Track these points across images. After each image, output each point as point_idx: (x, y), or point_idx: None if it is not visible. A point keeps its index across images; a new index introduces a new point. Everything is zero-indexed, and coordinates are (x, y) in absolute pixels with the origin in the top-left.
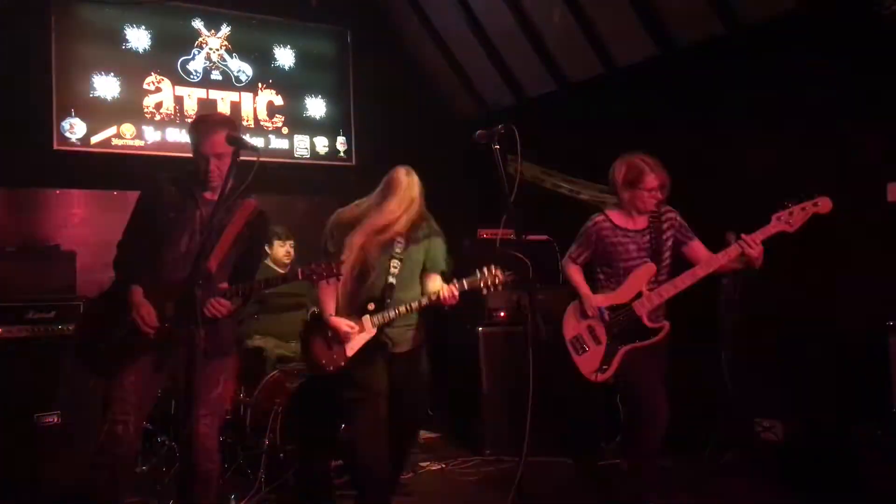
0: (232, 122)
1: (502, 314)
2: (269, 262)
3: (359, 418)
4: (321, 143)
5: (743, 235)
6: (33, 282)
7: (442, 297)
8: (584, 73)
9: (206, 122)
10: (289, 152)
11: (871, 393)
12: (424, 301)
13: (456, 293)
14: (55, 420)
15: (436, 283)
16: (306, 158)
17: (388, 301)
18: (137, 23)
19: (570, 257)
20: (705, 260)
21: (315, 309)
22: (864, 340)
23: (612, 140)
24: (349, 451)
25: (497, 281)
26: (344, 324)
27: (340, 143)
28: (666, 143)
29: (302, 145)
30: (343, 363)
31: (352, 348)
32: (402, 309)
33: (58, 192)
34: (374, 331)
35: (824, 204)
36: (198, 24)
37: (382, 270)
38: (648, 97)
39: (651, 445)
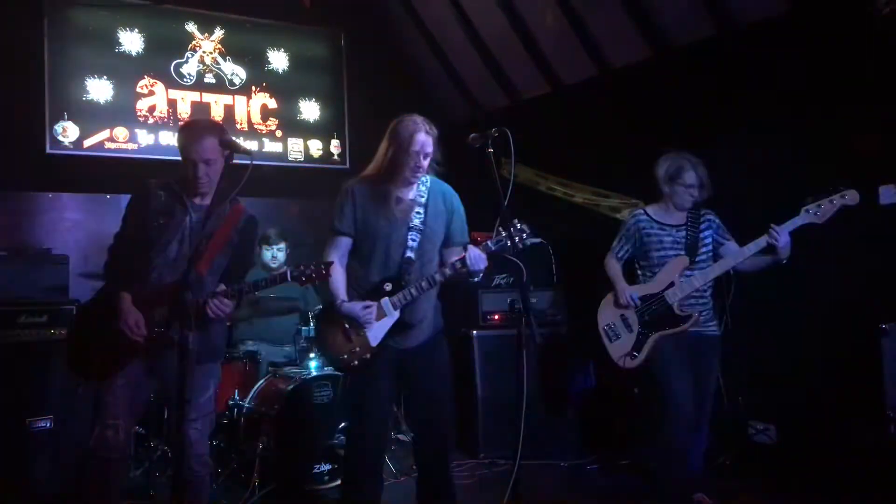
0: (221, 128)
1: (496, 317)
2: (259, 266)
3: (351, 443)
4: (315, 147)
5: (772, 225)
6: (25, 286)
7: (468, 259)
8: (577, 75)
9: (194, 128)
10: (283, 155)
11: (864, 395)
12: (448, 271)
13: (483, 254)
14: (47, 425)
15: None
16: (300, 161)
17: (407, 278)
18: (130, 26)
19: (613, 252)
20: (733, 252)
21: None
22: (856, 343)
23: (607, 142)
24: (345, 471)
25: (525, 235)
26: (360, 307)
27: (334, 146)
28: (659, 145)
29: (296, 148)
30: (368, 354)
31: (375, 336)
32: (424, 284)
33: (50, 195)
34: (396, 313)
35: (852, 196)
36: (191, 27)
37: (398, 244)
38: (642, 99)
39: (673, 443)
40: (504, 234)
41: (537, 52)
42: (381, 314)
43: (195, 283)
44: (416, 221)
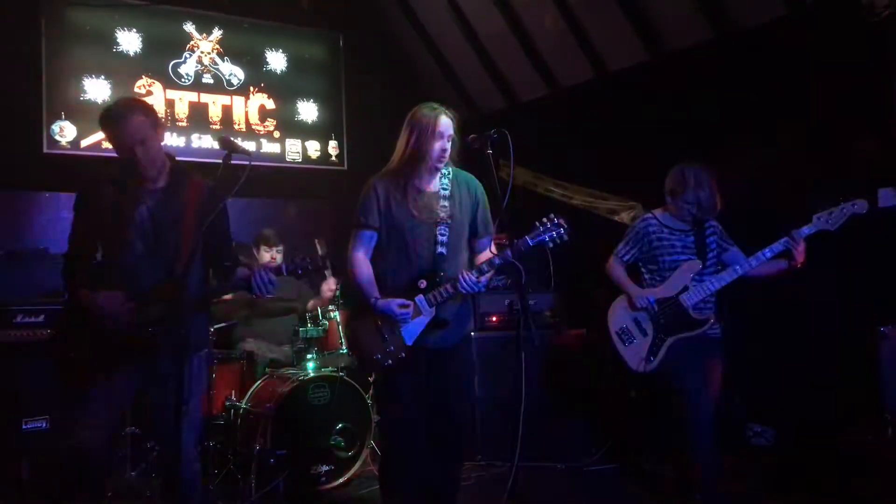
0: (143, 105)
1: (494, 319)
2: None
3: (386, 439)
4: (313, 147)
5: (792, 231)
6: (21, 285)
7: (460, 286)
8: (575, 77)
9: (114, 113)
10: (280, 156)
11: (862, 398)
12: (488, 270)
13: (522, 249)
14: (43, 425)
15: (488, 248)
16: (298, 162)
17: (441, 275)
18: (128, 26)
19: (617, 255)
20: (742, 258)
21: (312, 307)
22: (855, 346)
23: (604, 145)
24: (379, 471)
25: (563, 231)
26: (396, 305)
27: (332, 147)
28: (657, 148)
29: (294, 149)
30: (403, 354)
31: (410, 335)
32: (464, 283)
33: (47, 195)
34: (432, 311)
35: (861, 205)
36: (189, 27)
37: (428, 239)
38: (640, 102)
39: (705, 444)
40: (541, 228)
41: (535, 54)
42: (417, 312)
43: (181, 281)
44: (443, 214)
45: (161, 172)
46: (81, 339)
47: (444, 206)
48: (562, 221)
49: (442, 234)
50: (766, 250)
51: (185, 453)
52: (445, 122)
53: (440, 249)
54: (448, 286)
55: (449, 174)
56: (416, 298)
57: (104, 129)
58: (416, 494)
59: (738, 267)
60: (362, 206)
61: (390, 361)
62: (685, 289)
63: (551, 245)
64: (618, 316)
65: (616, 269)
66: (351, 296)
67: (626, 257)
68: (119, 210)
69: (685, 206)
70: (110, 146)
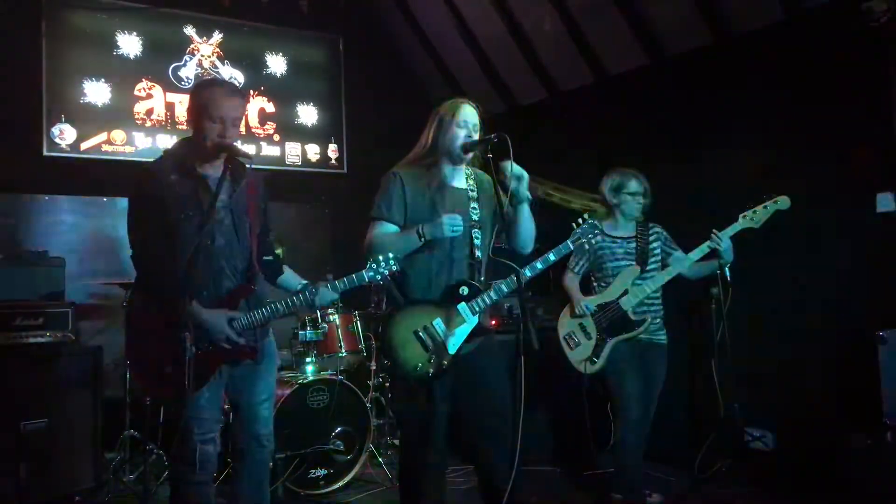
0: (245, 93)
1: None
2: None
3: (410, 462)
4: (313, 151)
5: (714, 230)
6: (21, 288)
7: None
8: (574, 81)
9: (218, 85)
10: (280, 159)
11: (862, 403)
12: (540, 265)
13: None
14: (42, 427)
15: None
16: (298, 166)
17: (481, 280)
18: (129, 29)
19: (569, 267)
20: (679, 258)
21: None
22: (854, 350)
23: (603, 149)
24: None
25: (597, 232)
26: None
27: (332, 151)
28: (656, 151)
29: (293, 152)
30: (446, 362)
31: (454, 344)
32: (504, 288)
33: (47, 198)
34: (475, 319)
35: (784, 201)
36: (189, 30)
37: (463, 243)
38: (639, 106)
39: (626, 441)
40: (578, 229)
41: (535, 58)
42: (460, 321)
43: (255, 278)
44: (475, 217)
45: (220, 161)
46: (178, 348)
47: (475, 209)
48: (596, 223)
49: (477, 238)
50: (695, 251)
51: (268, 427)
52: (468, 112)
53: (478, 253)
54: (492, 293)
55: (472, 174)
56: (458, 306)
57: (202, 94)
58: (436, 494)
59: (670, 269)
60: (385, 196)
61: (432, 371)
62: (625, 293)
63: (588, 247)
64: (564, 323)
65: (570, 280)
66: (389, 300)
67: (577, 269)
68: (194, 201)
69: (633, 198)
70: (109, 149)
